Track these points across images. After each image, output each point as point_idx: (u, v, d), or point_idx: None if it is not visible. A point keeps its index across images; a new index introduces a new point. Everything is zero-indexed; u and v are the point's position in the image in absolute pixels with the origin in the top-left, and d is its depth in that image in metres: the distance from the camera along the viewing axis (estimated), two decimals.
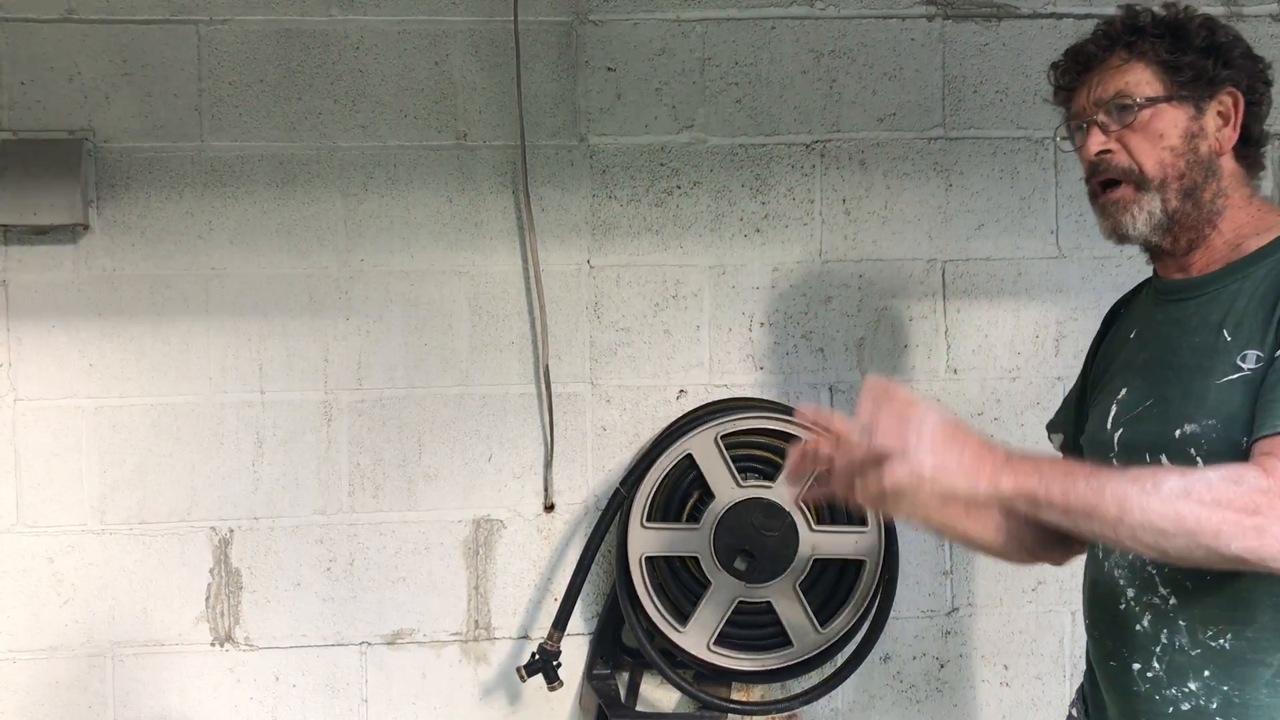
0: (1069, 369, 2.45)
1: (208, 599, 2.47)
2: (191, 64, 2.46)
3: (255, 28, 2.47)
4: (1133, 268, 2.54)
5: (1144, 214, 1.55)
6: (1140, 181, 1.54)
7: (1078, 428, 1.80)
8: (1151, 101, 1.53)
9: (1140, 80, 1.55)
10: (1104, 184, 1.58)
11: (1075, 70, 1.61)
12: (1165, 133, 1.54)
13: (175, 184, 2.46)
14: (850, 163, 2.58)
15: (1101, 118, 1.57)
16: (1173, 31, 1.55)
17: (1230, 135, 1.55)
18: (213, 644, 2.47)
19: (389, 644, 2.51)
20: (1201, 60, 1.54)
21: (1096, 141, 1.57)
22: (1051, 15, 2.62)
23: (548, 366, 2.51)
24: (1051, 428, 1.89)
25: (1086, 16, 2.61)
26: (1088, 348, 1.83)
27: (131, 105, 2.45)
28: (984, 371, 2.61)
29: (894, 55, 2.59)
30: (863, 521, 2.36)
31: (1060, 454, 1.86)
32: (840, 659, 2.44)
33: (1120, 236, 1.59)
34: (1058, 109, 1.69)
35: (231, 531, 2.47)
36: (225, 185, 2.47)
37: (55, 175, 2.38)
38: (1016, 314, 2.61)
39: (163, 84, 2.46)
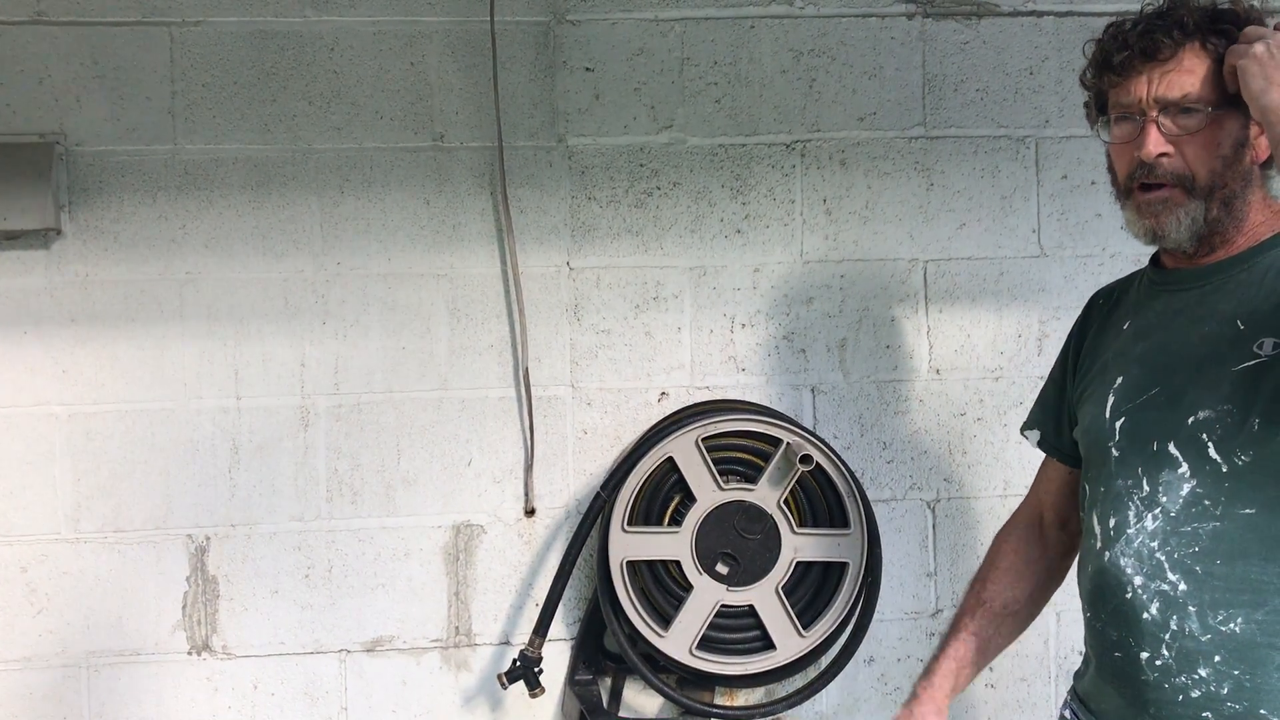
0: None
1: (184, 607, 2.44)
2: (164, 66, 2.43)
3: (229, 29, 2.44)
4: (1115, 266, 2.55)
5: (1188, 219, 1.51)
6: (1191, 188, 1.51)
7: (1057, 423, 1.81)
8: (1217, 110, 1.49)
9: (1206, 83, 1.49)
10: (1144, 184, 1.53)
11: (1137, 58, 1.52)
12: (1221, 142, 1.50)
13: (149, 188, 2.43)
14: (831, 162, 2.57)
15: (1162, 118, 1.51)
16: (1241, 30, 1.50)
17: (1266, 145, 1.52)
18: (190, 653, 2.44)
19: (368, 651, 2.48)
20: None
21: (1157, 144, 1.50)
22: (1032, 13, 2.61)
23: (527, 369, 2.49)
24: (1026, 425, 1.88)
25: (1068, 14, 2.60)
26: (1064, 342, 1.82)
27: (103, 108, 2.42)
28: (967, 371, 2.59)
29: (874, 54, 2.57)
30: (845, 524, 2.35)
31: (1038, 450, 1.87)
32: (824, 662, 2.42)
33: (1157, 237, 1.55)
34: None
35: (208, 539, 2.44)
36: (199, 189, 2.44)
37: (26, 179, 2.35)
38: (999, 313, 2.60)
39: (135, 86, 2.43)
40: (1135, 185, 1.54)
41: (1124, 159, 1.56)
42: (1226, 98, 1.49)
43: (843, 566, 2.36)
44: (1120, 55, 1.53)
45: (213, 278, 2.45)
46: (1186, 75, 1.50)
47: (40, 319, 2.41)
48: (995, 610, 1.80)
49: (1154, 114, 1.51)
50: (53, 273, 2.41)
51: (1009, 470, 2.59)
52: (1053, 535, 1.84)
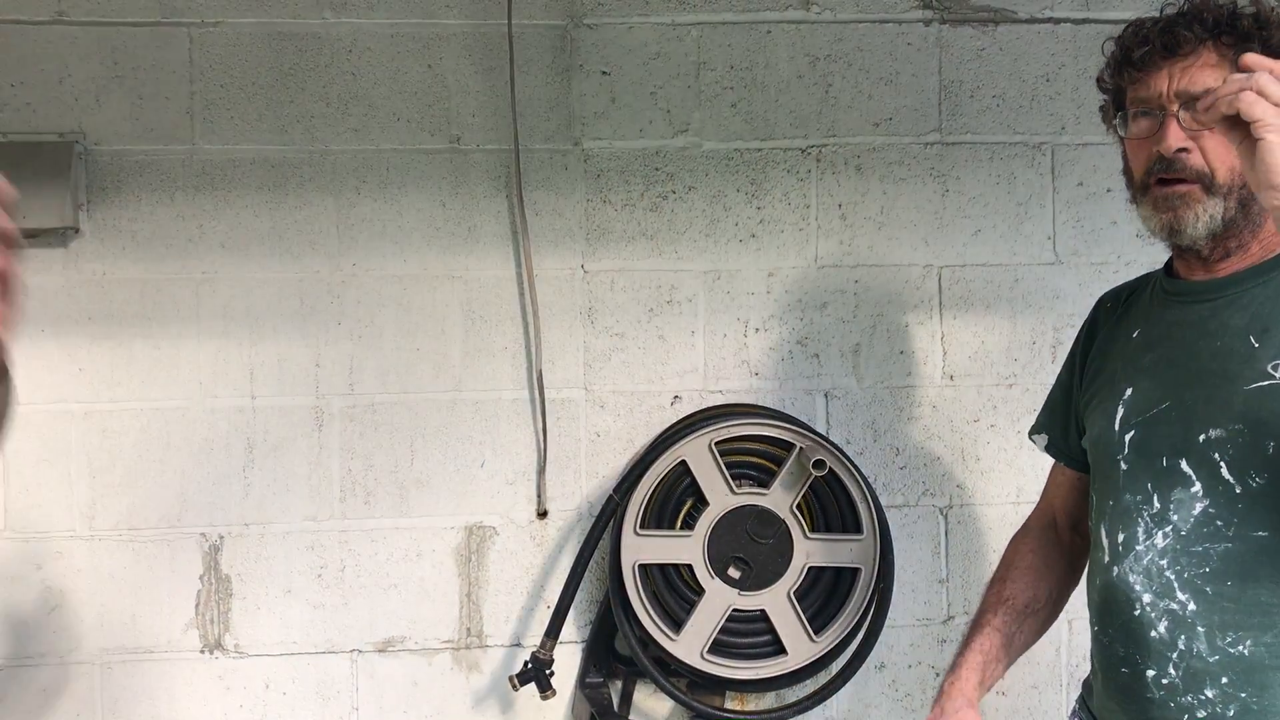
0: None
1: (197, 606, 2.45)
2: (183, 66, 2.45)
3: (247, 30, 2.45)
4: (1130, 274, 2.51)
5: (1206, 216, 1.49)
6: (1210, 186, 1.48)
7: (1065, 428, 1.79)
8: None
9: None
10: (1162, 179, 1.51)
11: (1159, 53, 1.51)
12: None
13: (166, 187, 2.44)
14: (846, 168, 2.57)
15: (1182, 113, 1.48)
16: (1262, 35, 1.48)
17: None
18: (202, 651, 2.45)
19: (380, 651, 2.49)
20: None
21: (1177, 138, 1.48)
22: (1049, 20, 2.60)
23: (541, 372, 2.49)
24: (1034, 430, 1.87)
25: (1084, 21, 2.60)
26: (1071, 344, 1.81)
27: (122, 108, 2.43)
28: (980, 378, 2.59)
29: (890, 60, 2.57)
30: (857, 529, 2.35)
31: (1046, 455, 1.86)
32: (835, 667, 2.42)
33: (1173, 233, 1.52)
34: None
35: (222, 538, 2.45)
36: (216, 189, 2.45)
37: (45, 178, 2.36)
38: (1013, 320, 2.60)
39: (154, 86, 2.44)
40: (1152, 180, 1.52)
41: (1141, 154, 1.54)
42: None
43: (855, 572, 2.36)
44: (1141, 50, 1.52)
45: (229, 277, 2.46)
46: (1208, 71, 1.48)
47: (58, 317, 2.42)
48: (1018, 608, 1.77)
49: (1174, 108, 1.49)
50: (70, 271, 2.43)
51: (1022, 477, 2.59)
52: (1068, 537, 1.83)
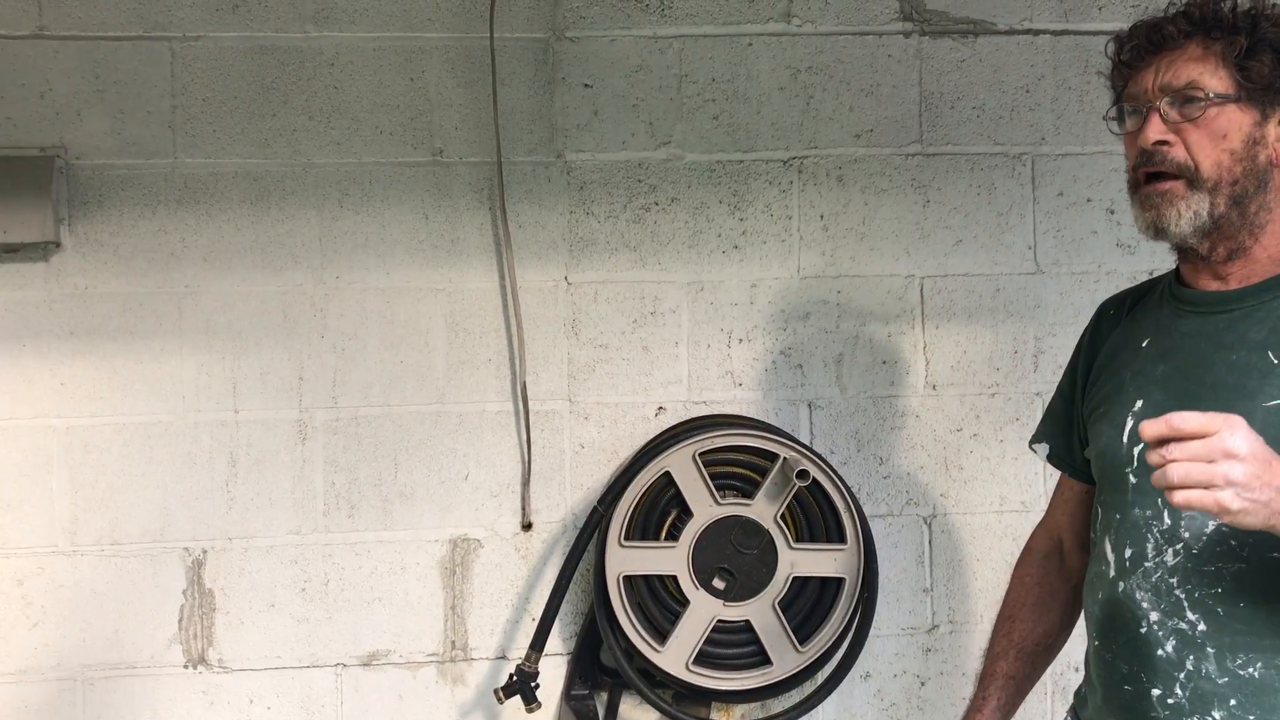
0: (1048, 384, 2.45)
1: (180, 621, 2.44)
2: (165, 81, 2.44)
3: (229, 44, 2.46)
4: (1110, 283, 2.56)
5: (1190, 212, 1.47)
6: (1194, 180, 1.47)
7: (1068, 437, 1.76)
8: (1222, 99, 1.46)
9: (1212, 74, 1.46)
10: (1149, 175, 1.50)
11: (1145, 49, 1.51)
12: (1228, 133, 1.46)
13: (148, 201, 2.44)
14: (828, 179, 2.58)
15: (1164, 106, 1.48)
16: (1253, 30, 1.47)
17: None
18: (186, 666, 2.44)
19: (365, 665, 2.48)
20: (1277, 66, 1.47)
21: (1156, 130, 1.48)
22: (1028, 32, 2.62)
23: (525, 384, 2.49)
24: (1035, 439, 1.84)
25: (1063, 33, 2.62)
26: (1072, 353, 1.78)
27: (104, 122, 2.43)
28: (963, 388, 2.60)
29: (871, 72, 2.59)
30: (841, 539, 2.35)
31: (1048, 464, 1.84)
32: (820, 677, 2.42)
33: (1158, 231, 1.50)
34: (1107, 88, 1.60)
35: (205, 552, 2.44)
36: (199, 203, 2.45)
37: (26, 192, 2.36)
38: (995, 330, 2.61)
39: (135, 101, 2.44)
40: (1140, 177, 1.51)
41: (1132, 151, 1.53)
42: (1238, 90, 1.46)
43: (839, 582, 2.36)
44: (1129, 46, 1.53)
45: (211, 291, 2.45)
46: (1192, 64, 1.47)
47: (39, 331, 2.41)
48: (1029, 650, 1.77)
49: (1158, 102, 1.49)
50: (52, 285, 2.42)
51: (1005, 486, 2.60)
52: (1074, 561, 1.78)
